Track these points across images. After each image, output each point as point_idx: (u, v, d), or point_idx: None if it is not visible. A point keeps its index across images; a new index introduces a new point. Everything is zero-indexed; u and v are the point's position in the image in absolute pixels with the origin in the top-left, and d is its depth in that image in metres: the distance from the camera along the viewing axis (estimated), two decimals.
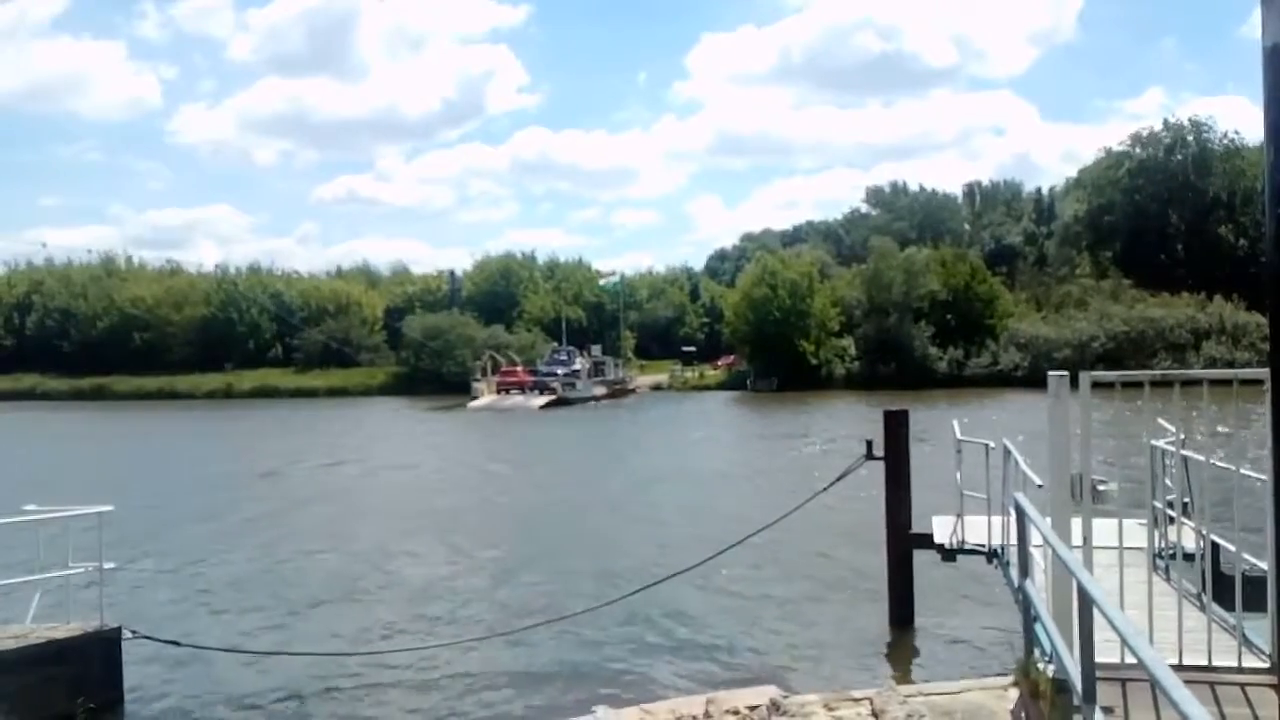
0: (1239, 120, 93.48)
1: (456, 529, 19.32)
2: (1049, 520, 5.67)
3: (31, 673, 8.83)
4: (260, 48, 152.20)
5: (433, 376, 71.79)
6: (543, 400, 57.91)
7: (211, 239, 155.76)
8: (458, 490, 25.25)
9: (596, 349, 73.27)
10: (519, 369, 65.75)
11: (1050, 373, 5.88)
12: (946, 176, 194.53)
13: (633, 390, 69.50)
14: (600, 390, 64.43)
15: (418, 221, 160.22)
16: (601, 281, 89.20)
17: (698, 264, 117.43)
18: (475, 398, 59.84)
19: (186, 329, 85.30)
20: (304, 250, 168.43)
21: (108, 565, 9.50)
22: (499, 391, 61.49)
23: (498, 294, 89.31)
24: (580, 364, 66.44)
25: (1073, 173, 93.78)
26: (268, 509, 22.76)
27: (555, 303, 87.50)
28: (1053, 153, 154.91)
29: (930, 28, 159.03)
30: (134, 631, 9.86)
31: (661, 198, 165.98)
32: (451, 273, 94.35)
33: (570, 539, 18.13)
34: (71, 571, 9.47)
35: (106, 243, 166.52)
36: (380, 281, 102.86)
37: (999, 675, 6.93)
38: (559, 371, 63.74)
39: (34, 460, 33.43)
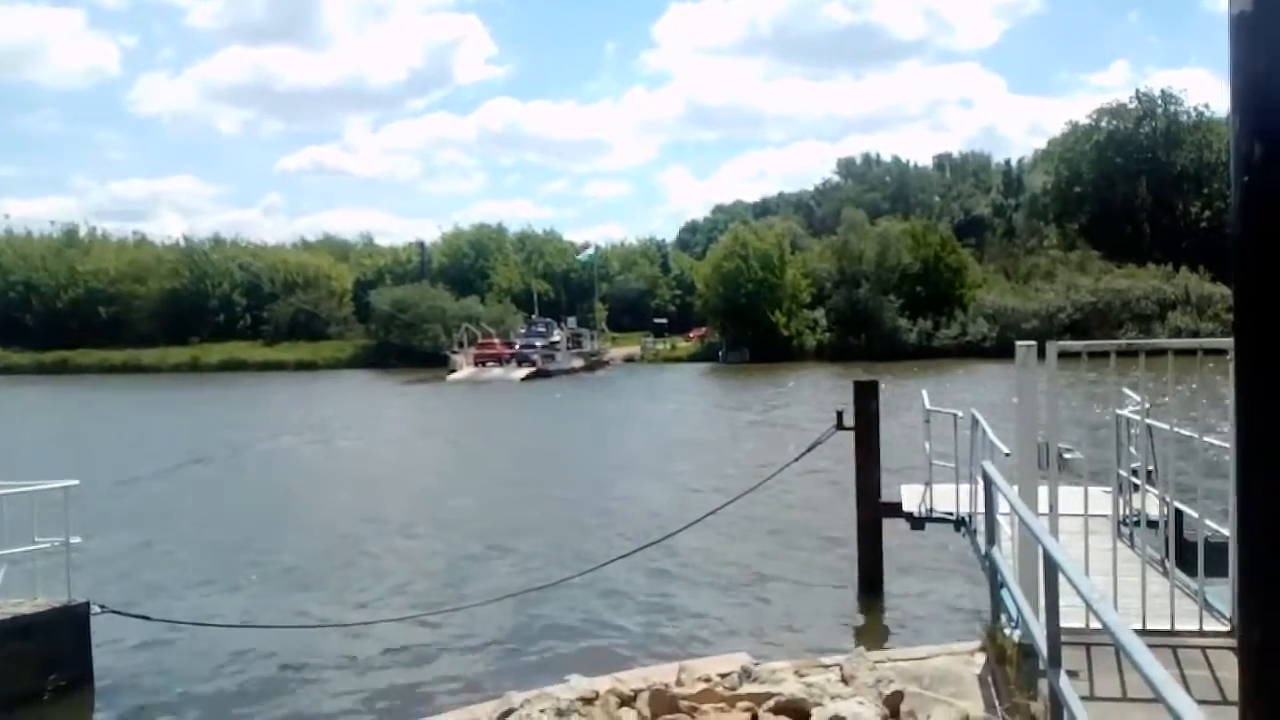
0: (1200, 93, 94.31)
1: (443, 503, 19.28)
2: (1016, 488, 5.74)
3: None
4: (221, 15, 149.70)
5: (402, 349, 71.23)
6: (523, 372, 57.69)
7: (175, 210, 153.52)
8: (448, 464, 25.20)
9: (571, 321, 73.11)
10: (496, 341, 65.53)
11: (1018, 343, 5.93)
12: (915, 148, 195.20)
13: (606, 362, 69.43)
14: (578, 362, 64.30)
15: (384, 192, 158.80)
16: (580, 255, 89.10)
17: (669, 236, 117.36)
18: (453, 370, 59.42)
19: (152, 301, 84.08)
20: (270, 221, 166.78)
21: (74, 540, 9.41)
22: (476, 364, 61.23)
23: (468, 266, 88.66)
24: (558, 336, 66.32)
25: (1040, 145, 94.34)
26: (242, 483, 22.62)
27: (525, 275, 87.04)
28: (1020, 125, 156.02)
29: (898, 0, 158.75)
30: (102, 606, 9.77)
31: (632, 169, 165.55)
32: (421, 244, 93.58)
33: (555, 511, 18.05)
34: (38, 546, 9.36)
35: (68, 214, 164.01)
36: (349, 253, 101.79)
37: (966, 640, 7.02)
38: (537, 343, 63.57)
39: None
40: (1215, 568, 5.72)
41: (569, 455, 26.53)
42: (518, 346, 64.03)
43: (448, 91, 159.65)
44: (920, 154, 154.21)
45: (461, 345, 64.26)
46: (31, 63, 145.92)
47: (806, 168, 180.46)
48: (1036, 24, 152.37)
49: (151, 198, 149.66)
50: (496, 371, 58.67)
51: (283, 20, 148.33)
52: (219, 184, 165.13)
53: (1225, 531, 5.94)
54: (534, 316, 73.12)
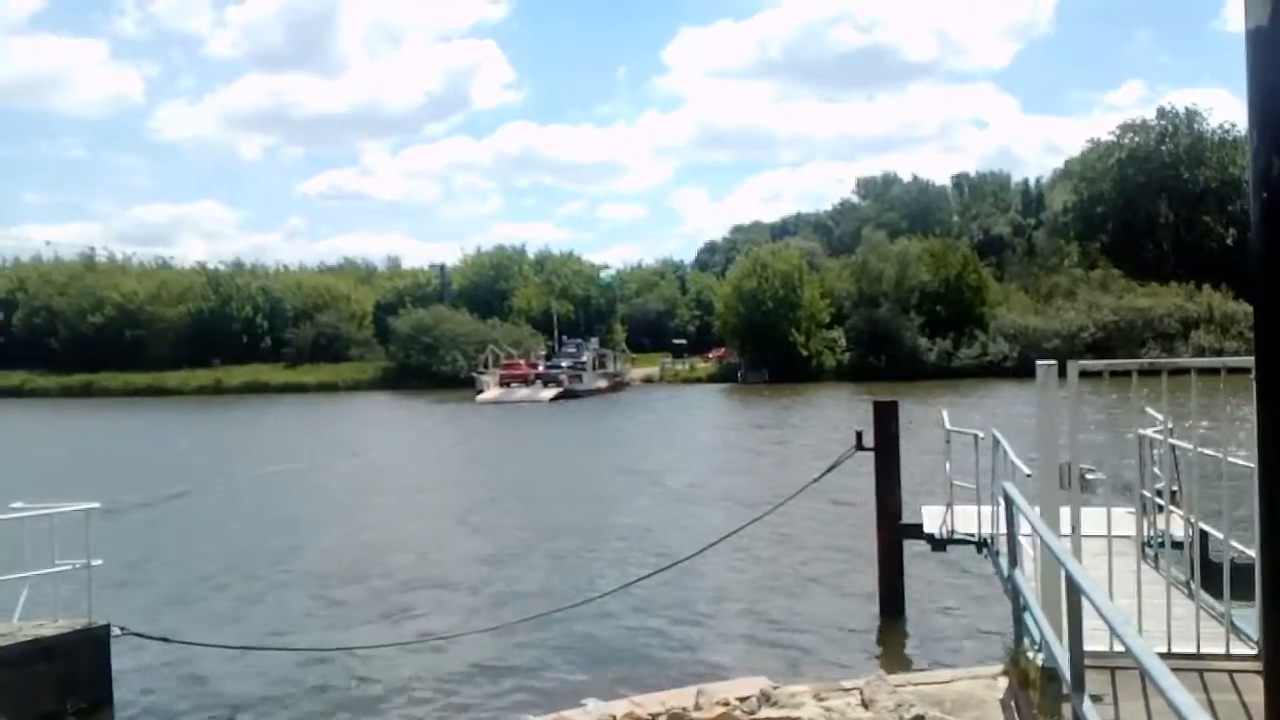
0: (1223, 112, 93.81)
1: (468, 519, 19.30)
2: (1038, 509, 5.67)
3: (19, 671, 8.76)
4: (239, 44, 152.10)
5: (423, 371, 71.70)
6: (551, 393, 58.30)
7: (198, 235, 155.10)
8: (484, 484, 25.19)
9: (594, 342, 73.54)
10: (521, 362, 66.13)
11: (1039, 362, 5.87)
12: (929, 169, 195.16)
13: (627, 383, 69.69)
14: (603, 383, 64.74)
15: (404, 216, 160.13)
16: (601, 272, 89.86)
17: (686, 257, 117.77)
18: (481, 391, 59.99)
19: (176, 324, 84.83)
20: (291, 245, 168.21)
21: (95, 562, 9.43)
22: (502, 385, 61.64)
23: (488, 288, 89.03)
24: (586, 357, 66.93)
25: (1056, 164, 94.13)
26: (271, 506, 22.67)
27: (544, 296, 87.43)
28: (1034, 145, 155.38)
29: (909, 21, 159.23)
30: (123, 628, 9.78)
31: (647, 191, 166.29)
32: (441, 267, 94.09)
33: (576, 533, 17.97)
34: (59, 568, 9.39)
35: (92, 239, 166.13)
36: (372, 276, 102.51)
37: (989, 664, 6.93)
38: (563, 364, 64.21)
39: (21, 457, 33.21)
40: (1242, 590, 5.62)
41: (600, 474, 26.42)
42: (541, 367, 64.67)
43: (465, 116, 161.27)
44: (935, 174, 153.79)
45: (487, 366, 64.90)
46: (55, 91, 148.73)
47: (821, 188, 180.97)
48: (1048, 44, 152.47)
49: (174, 223, 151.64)
50: (524, 392, 59.29)
51: (299, 48, 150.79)
52: (241, 209, 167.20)
53: (1251, 553, 5.84)
54: (564, 338, 73.99)
